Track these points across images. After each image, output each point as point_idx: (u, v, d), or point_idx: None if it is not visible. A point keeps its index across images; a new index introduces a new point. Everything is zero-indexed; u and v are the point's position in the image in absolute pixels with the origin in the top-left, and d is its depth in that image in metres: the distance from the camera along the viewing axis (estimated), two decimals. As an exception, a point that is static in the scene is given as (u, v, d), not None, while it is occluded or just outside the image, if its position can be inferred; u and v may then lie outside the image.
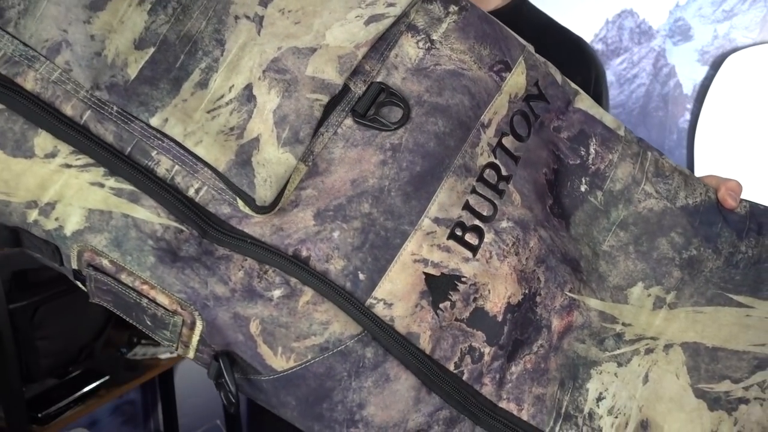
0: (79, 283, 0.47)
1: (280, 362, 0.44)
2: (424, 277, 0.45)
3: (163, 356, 1.62)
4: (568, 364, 0.50)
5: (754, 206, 0.61)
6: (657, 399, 0.48)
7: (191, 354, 0.46)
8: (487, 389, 0.47)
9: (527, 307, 0.50)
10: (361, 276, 0.44)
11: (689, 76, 1.93)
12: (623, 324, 0.51)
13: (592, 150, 0.56)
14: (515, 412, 0.47)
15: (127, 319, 0.48)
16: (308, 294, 0.43)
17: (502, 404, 0.47)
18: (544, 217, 0.53)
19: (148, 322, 0.46)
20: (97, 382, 1.47)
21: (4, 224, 0.45)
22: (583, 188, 0.55)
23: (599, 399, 0.48)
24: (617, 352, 0.50)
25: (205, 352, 0.46)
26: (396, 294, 0.44)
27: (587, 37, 1.88)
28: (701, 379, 0.48)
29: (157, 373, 1.68)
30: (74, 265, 0.45)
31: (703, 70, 1.88)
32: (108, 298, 0.47)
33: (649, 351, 0.50)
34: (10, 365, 1.28)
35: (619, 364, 0.49)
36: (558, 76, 0.58)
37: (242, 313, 0.43)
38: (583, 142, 0.56)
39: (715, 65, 1.87)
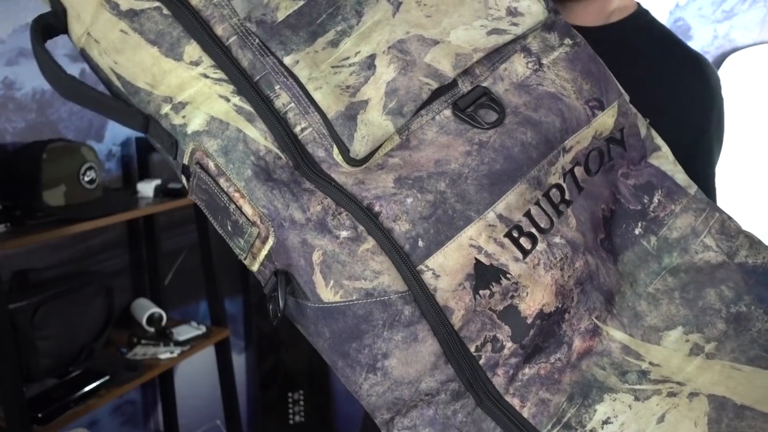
0: (183, 178, 0.53)
1: (328, 294, 0.48)
2: (474, 262, 0.49)
3: (163, 356, 1.62)
4: (583, 383, 0.51)
5: None
6: None
7: (256, 267, 0.52)
8: (498, 380, 0.49)
9: (555, 320, 0.52)
10: (420, 243, 0.48)
11: (689, 76, 1.93)
12: (650, 363, 0.53)
13: (655, 200, 0.60)
14: (517, 407, 0.49)
15: (212, 221, 0.53)
16: (370, 243, 0.47)
17: (507, 397, 0.49)
18: (594, 246, 0.56)
19: (229, 228, 0.51)
20: (97, 382, 1.47)
21: (142, 110, 0.51)
22: (637, 231, 0.59)
23: (605, 422, 0.49)
24: (638, 387, 0.51)
25: (268, 267, 0.51)
26: (445, 269, 0.48)
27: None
28: None
29: (157, 373, 1.68)
30: (185, 161, 0.51)
31: (703, 70, 1.88)
32: (203, 197, 0.52)
33: (672, 394, 0.51)
34: (10, 365, 1.28)
35: (637, 399, 0.50)
36: (643, 130, 0.62)
37: (310, 241, 0.48)
38: (648, 191, 0.60)
39: (715, 65, 1.87)
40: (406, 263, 0.47)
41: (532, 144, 0.54)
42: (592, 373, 0.52)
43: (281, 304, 0.49)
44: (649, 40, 0.82)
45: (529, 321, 0.50)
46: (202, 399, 2.06)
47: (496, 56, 0.56)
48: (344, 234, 0.48)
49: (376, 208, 0.48)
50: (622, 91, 0.62)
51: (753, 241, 0.59)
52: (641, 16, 0.86)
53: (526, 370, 0.50)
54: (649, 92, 0.71)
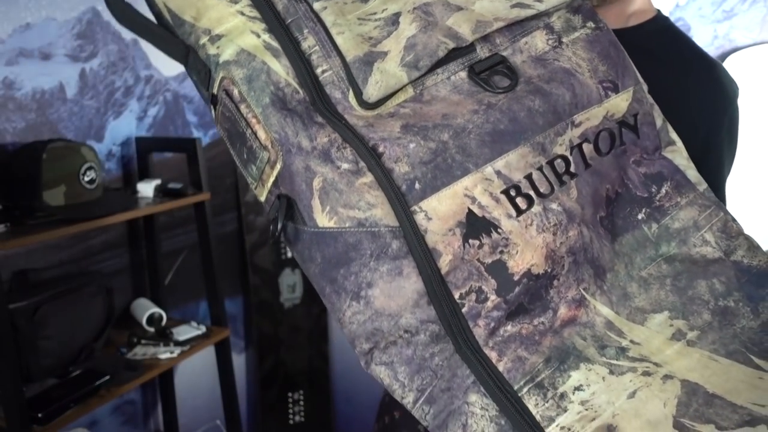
0: (211, 109, 0.58)
1: (323, 219, 0.52)
2: (467, 211, 0.52)
3: (163, 356, 1.62)
4: (562, 349, 0.53)
5: None
6: (635, 415, 0.50)
7: (264, 193, 0.56)
8: (479, 331, 0.51)
9: (543, 284, 0.53)
10: (417, 185, 0.51)
11: (689, 76, 1.93)
12: (631, 341, 0.54)
13: (663, 190, 0.61)
14: (493, 360, 0.51)
15: (232, 151, 0.58)
16: (368, 178, 0.51)
17: (486, 350, 0.51)
18: (592, 221, 0.57)
19: (245, 155, 0.56)
20: (97, 382, 1.47)
21: (184, 41, 0.57)
22: (640, 216, 0.60)
23: (577, 388, 0.51)
24: (614, 362, 0.53)
25: (273, 193, 0.55)
26: (437, 212, 0.51)
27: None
28: (687, 416, 0.50)
29: (157, 373, 1.68)
30: (215, 90, 0.56)
31: (703, 70, 1.88)
32: (226, 126, 0.56)
33: (647, 374, 0.52)
34: (10, 365, 1.28)
35: (611, 372, 0.52)
36: (659, 121, 0.64)
37: (313, 168, 0.52)
38: (657, 181, 0.62)
39: (715, 65, 1.87)
40: (400, 201, 0.50)
41: (539, 111, 0.56)
42: (572, 342, 0.53)
43: (279, 225, 0.53)
44: (665, 44, 0.84)
45: (516, 278, 0.52)
46: (202, 399, 2.06)
47: (518, 29, 0.60)
48: (345, 166, 0.51)
49: (380, 149, 0.52)
50: (641, 79, 0.64)
51: (752, 244, 0.61)
52: (660, 21, 0.87)
53: (508, 327, 0.52)
54: (662, 93, 0.72)
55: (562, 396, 0.51)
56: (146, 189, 1.65)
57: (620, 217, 0.60)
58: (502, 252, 0.52)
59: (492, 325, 0.51)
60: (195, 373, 2.01)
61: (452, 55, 0.56)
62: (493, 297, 0.51)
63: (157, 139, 1.85)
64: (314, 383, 2.31)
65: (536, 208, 0.53)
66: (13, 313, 1.33)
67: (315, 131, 0.52)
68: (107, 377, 1.48)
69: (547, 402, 0.50)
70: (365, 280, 0.51)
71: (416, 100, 0.55)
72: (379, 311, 0.51)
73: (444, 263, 0.51)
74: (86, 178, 1.43)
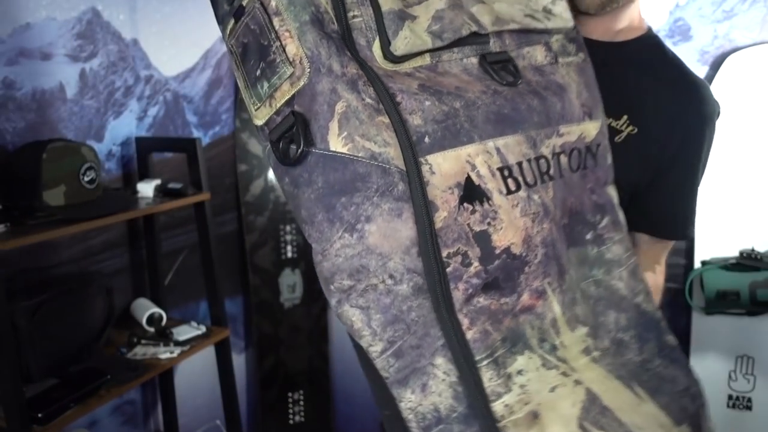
0: (231, 21, 0.58)
1: (337, 143, 0.53)
2: (466, 176, 0.55)
3: (163, 356, 1.62)
4: (515, 332, 0.57)
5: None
6: (552, 408, 0.56)
7: (268, 114, 0.57)
8: (457, 294, 0.54)
9: (517, 267, 0.57)
10: (427, 139, 0.54)
11: (689, 76, 1.92)
12: (561, 343, 0.60)
13: (605, 221, 0.68)
14: (464, 327, 0.54)
15: (239, 69, 0.58)
16: (386, 120, 0.53)
17: (460, 315, 0.54)
18: (559, 222, 0.62)
19: (258, 72, 0.56)
20: (97, 382, 1.46)
21: None
22: (587, 236, 0.66)
23: (519, 372, 0.56)
24: (548, 356, 0.58)
25: (282, 113, 0.56)
26: (441, 169, 0.54)
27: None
28: (587, 420, 0.56)
29: (157, 373, 1.67)
30: (245, 2, 0.56)
31: (703, 70, 1.88)
32: (245, 39, 0.57)
33: (565, 374, 0.58)
34: (10, 365, 1.28)
35: (544, 365, 0.58)
36: (609, 157, 0.71)
37: (339, 92, 0.53)
38: (602, 212, 0.68)
39: (715, 65, 1.87)
40: (410, 149, 0.52)
41: (536, 110, 0.61)
42: (523, 328, 0.57)
43: (302, 141, 0.53)
44: (650, 59, 0.88)
45: (497, 252, 0.55)
46: (202, 399, 2.06)
47: (524, 38, 0.64)
48: (368, 100, 0.53)
49: (398, 98, 0.54)
50: (605, 118, 0.71)
51: (648, 293, 0.70)
52: (648, 38, 0.88)
53: (482, 300, 0.55)
54: (640, 104, 0.78)
55: (509, 376, 0.55)
56: (146, 189, 1.65)
57: (575, 231, 0.65)
58: (489, 224, 0.55)
59: (470, 291, 0.54)
60: (195, 373, 2.01)
61: (470, 40, 0.60)
62: (476, 264, 0.54)
63: (157, 139, 1.85)
64: (314, 383, 2.31)
65: (522, 193, 0.58)
66: (13, 313, 1.33)
67: (347, 60, 0.54)
68: (107, 377, 1.48)
69: (499, 379, 0.54)
70: (365, 214, 0.52)
71: (431, 69, 0.58)
72: (370, 248, 0.53)
73: (439, 219, 0.53)
74: (86, 178, 1.43)
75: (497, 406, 0.53)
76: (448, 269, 0.53)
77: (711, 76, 1.86)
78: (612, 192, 0.71)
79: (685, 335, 1.90)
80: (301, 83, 0.54)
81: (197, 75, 1.99)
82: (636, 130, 0.79)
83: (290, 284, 2.22)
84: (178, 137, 1.93)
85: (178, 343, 1.67)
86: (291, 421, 2.28)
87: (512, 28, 0.62)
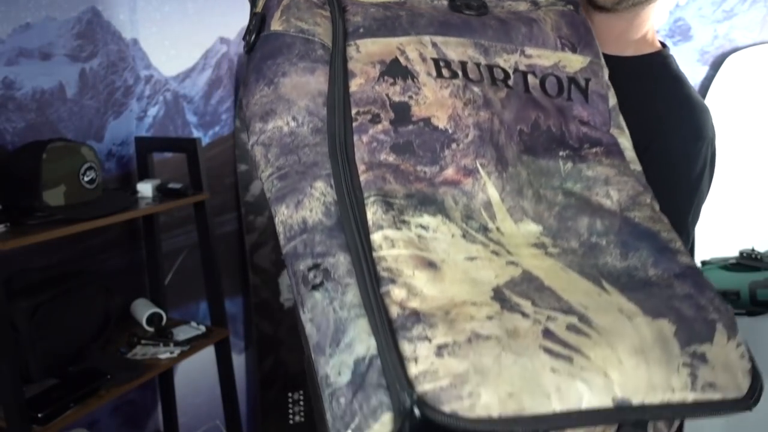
0: None
1: (276, 25, 0.62)
2: (393, 58, 0.59)
3: (163, 356, 1.62)
4: (428, 197, 0.54)
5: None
6: (463, 271, 0.51)
7: (260, 5, 0.65)
8: (360, 145, 0.55)
9: (441, 140, 0.57)
10: (361, 30, 0.60)
11: (689, 76, 1.92)
12: (497, 229, 0.55)
13: (594, 150, 0.64)
14: (359, 171, 0.54)
15: None
16: (325, 13, 0.61)
17: (358, 161, 0.54)
18: (510, 125, 0.61)
19: None
20: (97, 382, 1.46)
21: None
22: (561, 153, 0.63)
23: (422, 226, 0.52)
24: (471, 231, 0.54)
25: (255, 17, 0.64)
26: (367, 49, 0.59)
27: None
28: (511, 290, 0.50)
29: (157, 373, 1.68)
30: None
31: (703, 70, 1.88)
32: None
33: (495, 253, 0.53)
34: (10, 365, 1.28)
35: (463, 236, 0.53)
36: (612, 100, 0.68)
37: None
38: (593, 143, 0.65)
39: (715, 65, 1.87)
40: (343, 34, 0.59)
41: (492, 27, 0.64)
42: (443, 199, 0.55)
43: (255, 31, 0.63)
44: (658, 77, 0.87)
45: (414, 119, 0.56)
46: (202, 399, 2.06)
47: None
48: (315, 0, 0.62)
49: (347, 6, 0.62)
50: (603, 64, 0.69)
51: (659, 218, 0.60)
52: (660, 56, 0.88)
53: (390, 158, 0.55)
54: (644, 120, 0.75)
55: (404, 221, 0.52)
56: (146, 189, 1.65)
57: (541, 145, 0.62)
58: (411, 97, 0.57)
59: (374, 144, 0.55)
60: (195, 373, 2.01)
61: None
62: (386, 123, 0.56)
63: (157, 139, 1.85)
64: (314, 383, 2.31)
65: (458, 82, 0.59)
66: (13, 313, 1.33)
67: None
68: (107, 377, 1.48)
69: (386, 215, 0.51)
70: (282, 70, 0.59)
71: (399, 4, 0.63)
72: (281, 96, 0.58)
73: (355, 84, 0.57)
74: (86, 178, 1.43)
75: (376, 236, 0.50)
76: (354, 124, 0.55)
77: (711, 76, 1.87)
78: (619, 137, 0.66)
79: (685, 335, 1.90)
80: None
81: (197, 75, 1.99)
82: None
83: (290, 284, 2.22)
84: (178, 137, 1.93)
85: (178, 343, 1.67)
86: (291, 421, 2.27)
87: None
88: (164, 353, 1.63)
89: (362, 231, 0.51)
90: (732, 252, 1.79)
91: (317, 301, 0.50)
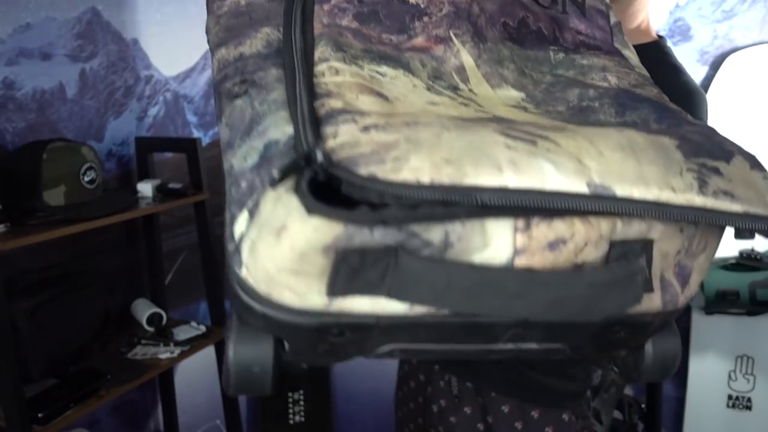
0: None
1: None
2: None
3: (163, 356, 1.62)
4: (392, 58, 0.49)
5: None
6: (420, 108, 0.45)
7: None
8: (320, 12, 0.50)
9: (411, 13, 0.52)
10: None
11: (689, 76, 1.93)
12: (470, 90, 0.50)
13: (590, 52, 0.58)
14: (316, 28, 0.49)
15: None
16: None
17: (315, 21, 0.49)
18: (491, 13, 0.56)
19: None
20: (97, 382, 1.47)
21: None
22: (551, 48, 0.56)
23: (379, 72, 0.47)
24: (439, 87, 0.49)
25: None
26: None
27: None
28: (471, 119, 0.44)
29: (157, 373, 1.68)
30: None
31: (703, 70, 1.88)
32: None
33: (463, 104, 0.47)
34: (10, 365, 1.28)
35: (428, 89, 0.48)
36: (613, 19, 0.62)
37: None
38: (589, 48, 0.58)
39: (715, 65, 1.87)
40: None
41: None
42: (408, 60, 0.50)
43: None
44: (662, 64, 0.86)
45: None
46: (202, 399, 2.06)
47: None
48: None
49: None
50: (608, 2, 0.63)
51: (663, 98, 0.54)
52: (656, 46, 0.88)
53: (353, 25, 0.50)
54: None
55: (357, 63, 0.46)
56: (146, 189, 1.65)
57: (530, 41, 0.56)
58: None
59: (335, 11, 0.50)
60: (195, 373, 2.01)
61: None
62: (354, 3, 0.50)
63: (157, 139, 1.85)
64: (314, 383, 2.31)
65: None
66: (13, 313, 1.33)
67: None
68: (107, 377, 1.48)
69: (336, 53, 0.46)
70: None
71: None
72: None
73: None
74: (86, 178, 1.43)
75: (319, 67, 0.45)
76: (322, 7, 0.50)
77: (711, 76, 1.87)
78: (625, 51, 0.61)
79: (685, 335, 1.90)
80: None
81: (197, 75, 1.99)
82: None
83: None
84: (178, 137, 1.93)
85: (178, 343, 1.67)
86: (291, 421, 2.28)
87: None
88: (164, 353, 1.63)
89: (304, 59, 0.45)
90: (732, 252, 1.79)
91: (236, 106, 0.45)
